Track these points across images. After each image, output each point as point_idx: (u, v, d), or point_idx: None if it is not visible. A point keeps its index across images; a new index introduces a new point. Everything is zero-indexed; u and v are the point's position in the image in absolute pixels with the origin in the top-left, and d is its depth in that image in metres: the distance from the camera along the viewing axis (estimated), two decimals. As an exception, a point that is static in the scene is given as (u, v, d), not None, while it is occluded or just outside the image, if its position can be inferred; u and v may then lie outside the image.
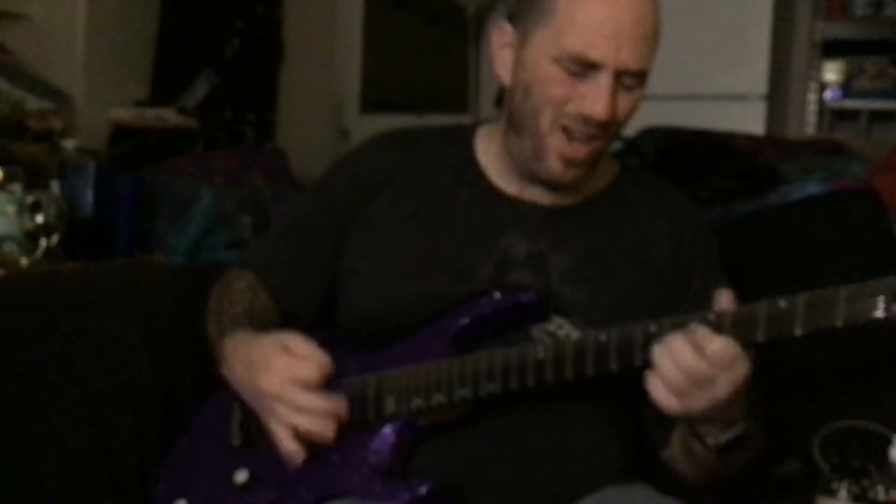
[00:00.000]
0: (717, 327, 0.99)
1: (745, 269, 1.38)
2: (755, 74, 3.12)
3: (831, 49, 3.37)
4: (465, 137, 1.31)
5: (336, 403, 1.12)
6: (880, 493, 1.00)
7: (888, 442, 1.02)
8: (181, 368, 1.46)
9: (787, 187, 1.64)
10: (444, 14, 3.87)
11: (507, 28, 1.21)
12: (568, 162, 1.18)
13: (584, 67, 1.12)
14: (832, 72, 3.42)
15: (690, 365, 0.98)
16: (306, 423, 1.11)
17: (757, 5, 3.12)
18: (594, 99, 1.12)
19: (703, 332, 0.99)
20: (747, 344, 0.99)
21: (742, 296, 1.24)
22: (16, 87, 2.65)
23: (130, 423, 1.40)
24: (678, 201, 1.31)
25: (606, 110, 1.12)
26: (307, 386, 1.11)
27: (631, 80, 1.14)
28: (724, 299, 1.01)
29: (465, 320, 1.16)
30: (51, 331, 1.38)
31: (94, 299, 1.48)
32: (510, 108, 1.22)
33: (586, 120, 1.14)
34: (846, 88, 3.42)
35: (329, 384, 1.16)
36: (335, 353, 1.21)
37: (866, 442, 1.26)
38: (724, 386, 0.99)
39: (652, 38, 1.15)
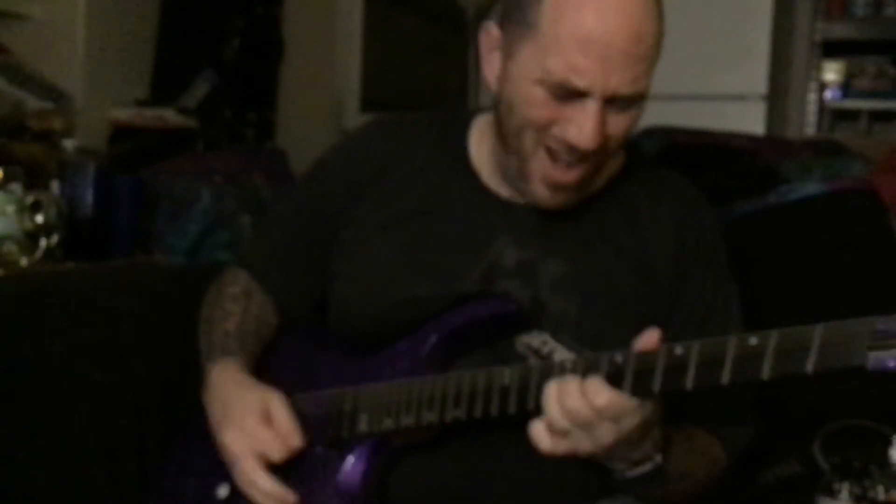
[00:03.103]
0: (683, 365, 0.91)
1: (745, 268, 1.38)
2: (755, 74, 3.12)
3: (831, 49, 3.38)
4: (459, 131, 1.25)
5: (284, 496, 1.09)
6: (880, 492, 1.00)
7: (888, 442, 1.02)
8: (181, 368, 1.46)
9: (787, 187, 1.64)
10: (444, 14, 3.87)
11: (494, 32, 1.13)
12: (555, 187, 1.11)
13: (568, 93, 1.03)
14: (832, 72, 3.43)
15: (574, 407, 0.94)
16: (255, 497, 1.10)
17: (757, 5, 3.11)
18: (580, 127, 1.03)
19: (595, 383, 0.94)
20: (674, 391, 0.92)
21: (742, 295, 1.24)
22: (16, 87, 2.64)
23: (130, 423, 1.40)
24: (683, 197, 1.23)
25: (593, 139, 1.04)
26: (268, 461, 1.10)
27: (624, 102, 1.05)
28: (646, 339, 0.95)
29: (439, 335, 1.12)
30: (51, 331, 1.38)
31: (94, 299, 1.48)
32: (497, 119, 1.14)
33: (571, 147, 1.06)
34: (846, 88, 3.43)
35: (309, 393, 1.15)
36: (321, 356, 1.20)
37: (867, 442, 1.26)
38: (607, 434, 0.95)
39: (649, 57, 1.04)
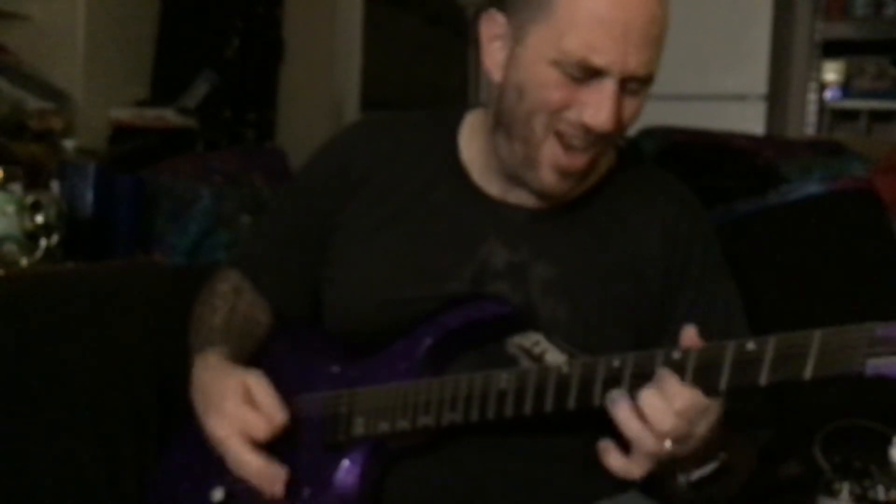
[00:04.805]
0: (680, 369, 0.91)
1: (745, 268, 1.38)
2: (755, 74, 3.13)
3: (831, 49, 3.38)
4: (450, 127, 1.23)
5: (273, 472, 1.07)
6: (880, 492, 1.00)
7: (888, 442, 1.02)
8: (181, 369, 1.46)
9: (787, 187, 1.64)
10: (444, 14, 3.87)
11: (499, 18, 1.11)
12: (563, 172, 1.10)
13: (586, 73, 1.03)
14: (832, 72, 3.43)
15: (672, 428, 0.91)
16: (248, 477, 1.08)
17: (757, 5, 3.12)
18: (597, 108, 1.04)
19: (672, 388, 0.91)
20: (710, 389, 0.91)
21: (742, 295, 1.24)
22: (16, 87, 2.65)
23: (130, 423, 1.40)
24: (674, 198, 1.21)
25: (610, 121, 1.04)
26: (254, 441, 1.07)
27: (636, 84, 1.06)
28: (687, 337, 0.93)
29: (434, 337, 1.10)
30: (51, 331, 1.38)
31: (94, 299, 1.48)
32: (499, 108, 1.12)
33: (587, 129, 1.05)
34: (846, 88, 3.43)
35: (305, 395, 1.13)
36: (316, 358, 1.19)
37: (867, 442, 1.26)
38: (700, 432, 0.93)
39: (660, 41, 1.05)
